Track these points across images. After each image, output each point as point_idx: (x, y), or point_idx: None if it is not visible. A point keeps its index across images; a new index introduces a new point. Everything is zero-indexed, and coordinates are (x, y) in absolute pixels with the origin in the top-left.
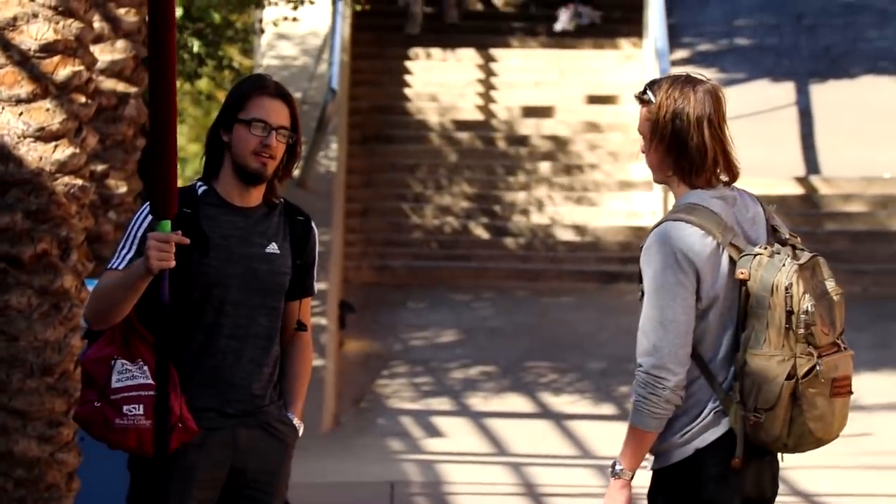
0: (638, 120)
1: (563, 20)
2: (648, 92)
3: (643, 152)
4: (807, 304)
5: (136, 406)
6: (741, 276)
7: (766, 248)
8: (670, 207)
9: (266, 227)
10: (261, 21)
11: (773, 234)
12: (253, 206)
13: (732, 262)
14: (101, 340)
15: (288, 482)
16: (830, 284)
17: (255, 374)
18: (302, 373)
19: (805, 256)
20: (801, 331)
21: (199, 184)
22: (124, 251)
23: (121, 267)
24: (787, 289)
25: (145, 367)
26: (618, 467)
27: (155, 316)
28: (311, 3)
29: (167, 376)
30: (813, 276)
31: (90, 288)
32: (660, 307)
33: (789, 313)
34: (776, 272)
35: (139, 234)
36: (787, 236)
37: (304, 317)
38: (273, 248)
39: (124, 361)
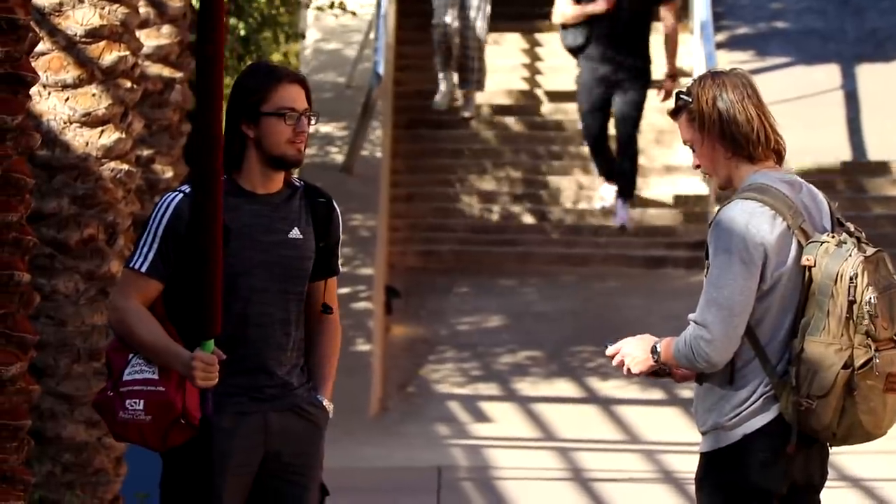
0: (681, 134)
1: None
2: (682, 96)
3: (697, 163)
4: (870, 295)
5: (137, 401)
6: (807, 263)
7: (833, 237)
8: (717, 190)
9: (288, 212)
10: (307, 5)
11: (839, 225)
12: (275, 191)
13: (800, 247)
14: None
15: (322, 464)
16: (894, 280)
17: (282, 359)
18: (330, 354)
19: (870, 250)
20: (863, 322)
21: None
22: (145, 249)
23: (143, 269)
24: (851, 279)
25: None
26: (659, 349)
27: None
28: None
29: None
30: (877, 269)
31: None
32: (719, 286)
33: (851, 303)
34: (842, 261)
35: (160, 231)
36: (853, 229)
37: (330, 298)
38: (296, 232)
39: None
